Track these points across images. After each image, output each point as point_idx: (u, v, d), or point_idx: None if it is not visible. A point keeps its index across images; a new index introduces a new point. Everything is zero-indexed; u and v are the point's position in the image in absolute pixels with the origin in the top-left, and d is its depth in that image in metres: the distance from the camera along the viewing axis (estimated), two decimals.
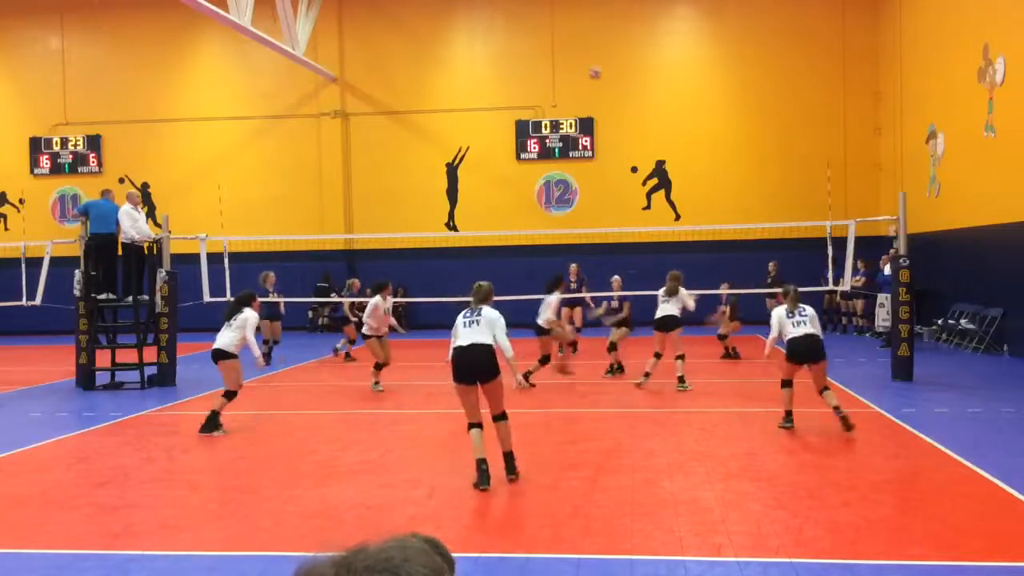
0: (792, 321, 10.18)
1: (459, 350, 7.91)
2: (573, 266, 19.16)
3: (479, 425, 7.94)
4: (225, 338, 10.68)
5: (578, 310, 18.78)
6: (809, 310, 10.28)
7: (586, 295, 17.97)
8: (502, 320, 8.08)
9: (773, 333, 10.36)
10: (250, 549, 6.36)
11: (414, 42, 25.05)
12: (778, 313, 10.34)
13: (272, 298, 17.27)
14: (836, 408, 9.87)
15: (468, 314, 8.10)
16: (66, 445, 10.24)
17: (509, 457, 7.99)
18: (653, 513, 6.89)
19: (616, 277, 15.88)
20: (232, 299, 11.16)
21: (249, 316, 10.73)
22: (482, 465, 7.75)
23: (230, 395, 10.66)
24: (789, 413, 10.17)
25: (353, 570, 1.34)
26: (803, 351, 10.01)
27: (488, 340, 7.86)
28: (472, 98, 24.94)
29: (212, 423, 10.42)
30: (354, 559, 1.36)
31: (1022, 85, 15.46)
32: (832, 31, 23.81)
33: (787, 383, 10.22)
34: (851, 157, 23.75)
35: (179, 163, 25.80)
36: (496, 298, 19.24)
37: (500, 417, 7.96)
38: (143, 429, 11.08)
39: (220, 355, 10.65)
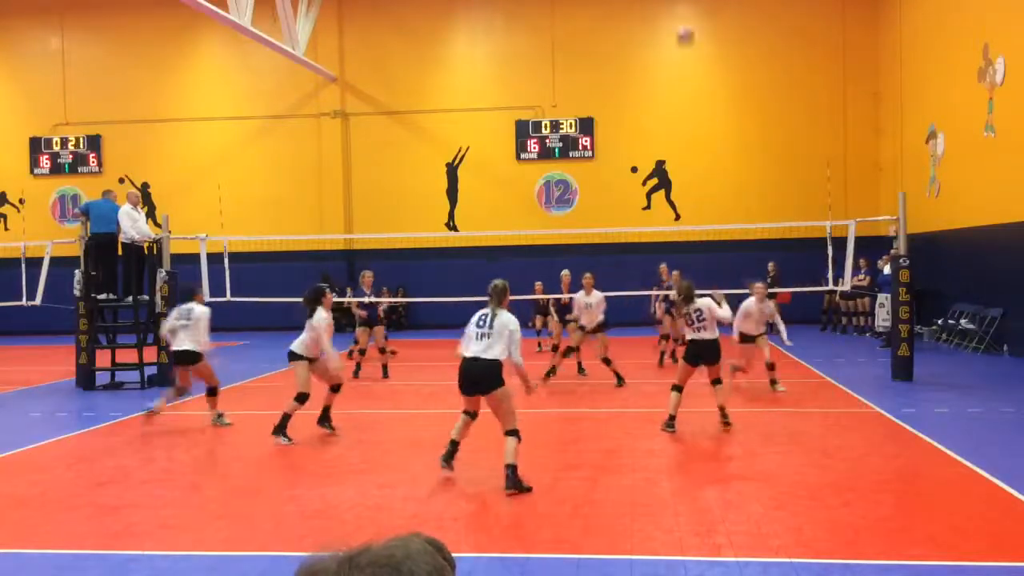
0: (693, 327, 10.12)
1: (465, 361, 7.76)
2: (663, 266, 18.42)
3: (471, 414, 8.05)
4: (298, 339, 10.02)
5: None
6: (705, 311, 10.01)
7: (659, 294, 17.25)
8: (518, 331, 7.70)
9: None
10: (250, 549, 6.36)
11: (414, 42, 25.06)
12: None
13: (369, 300, 15.52)
14: (721, 408, 10.14)
15: (482, 321, 7.77)
16: (66, 445, 10.24)
17: (509, 470, 7.62)
18: (653, 513, 6.88)
19: (565, 271, 15.75)
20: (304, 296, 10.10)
21: (319, 320, 9.84)
22: (451, 446, 8.06)
23: (301, 398, 9.84)
24: (673, 417, 10.05)
25: (356, 566, 1.35)
26: (698, 353, 10.11)
27: (495, 355, 7.61)
28: (472, 98, 24.94)
29: (282, 427, 9.69)
30: (357, 556, 1.37)
31: (1022, 85, 15.47)
32: (832, 31, 23.82)
33: (679, 387, 10.16)
34: (851, 157, 23.75)
35: (179, 163, 25.81)
36: None
37: (509, 433, 7.71)
38: (143, 429, 11.07)
39: (290, 356, 10.02)
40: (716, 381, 10.32)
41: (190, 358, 10.78)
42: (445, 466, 8.03)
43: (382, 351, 15.39)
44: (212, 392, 11.02)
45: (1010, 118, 15.88)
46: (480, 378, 7.68)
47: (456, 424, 8.11)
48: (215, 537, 6.62)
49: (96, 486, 8.16)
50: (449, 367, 13.99)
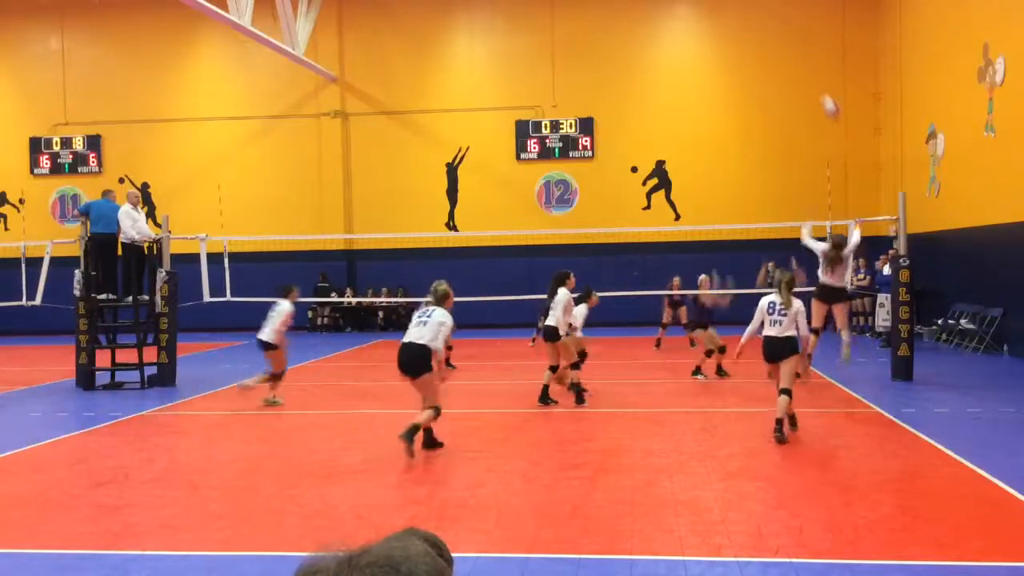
0: (771, 319, 9.48)
1: (401, 345, 8.98)
2: (676, 279, 18.08)
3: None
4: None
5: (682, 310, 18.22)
6: (794, 306, 9.46)
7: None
8: (447, 326, 8.89)
9: (753, 325, 9.73)
10: (250, 549, 6.36)
11: (414, 42, 25.06)
12: (761, 304, 9.66)
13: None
14: (781, 420, 9.31)
15: (422, 313, 9.04)
16: (66, 445, 10.23)
17: (413, 429, 8.70)
18: (653, 513, 6.88)
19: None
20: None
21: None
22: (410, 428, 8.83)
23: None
24: (780, 422, 9.30)
25: (355, 566, 1.35)
26: (768, 353, 9.54)
27: (425, 340, 8.74)
28: (472, 98, 24.94)
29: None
30: (357, 557, 1.37)
31: (1022, 85, 15.46)
32: (832, 31, 23.81)
33: (784, 389, 9.38)
34: (851, 157, 23.75)
35: (179, 163, 25.81)
36: (495, 298, 19.29)
37: (430, 408, 8.95)
38: (143, 429, 11.08)
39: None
40: (784, 391, 9.41)
41: (264, 346, 12.22)
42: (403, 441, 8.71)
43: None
44: (275, 377, 12.30)
45: (1010, 118, 15.87)
46: (408, 359, 8.85)
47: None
48: (215, 537, 6.62)
49: (96, 486, 8.16)
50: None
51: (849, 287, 16.23)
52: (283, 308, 12.29)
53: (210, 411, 12.51)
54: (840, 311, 12.43)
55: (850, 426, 10.26)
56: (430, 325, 8.80)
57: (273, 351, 12.24)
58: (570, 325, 12.12)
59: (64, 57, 26.17)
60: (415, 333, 8.84)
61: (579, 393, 11.84)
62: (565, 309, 11.82)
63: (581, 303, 13.08)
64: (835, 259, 12.16)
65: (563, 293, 11.86)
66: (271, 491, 7.84)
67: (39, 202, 26.50)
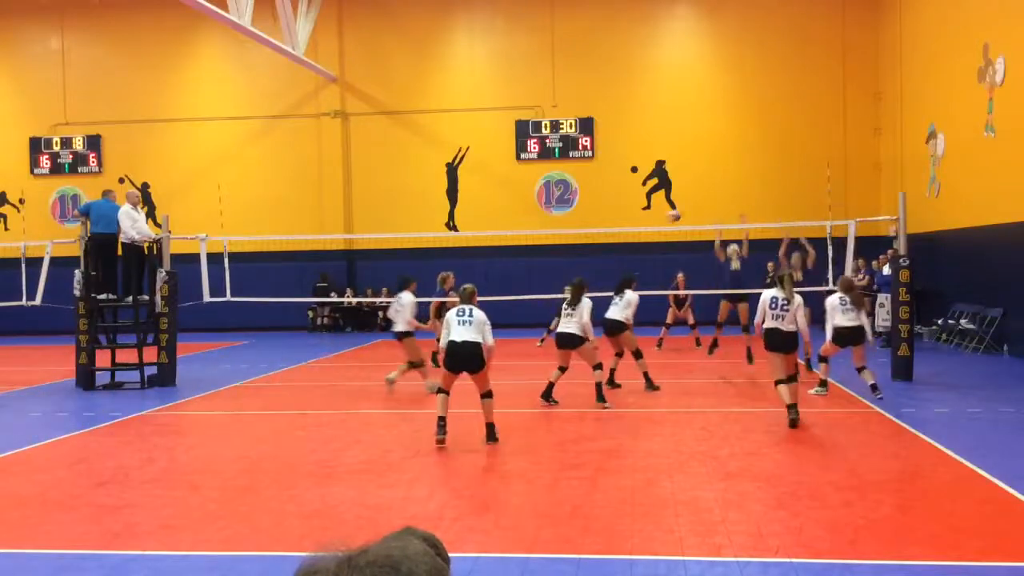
0: (772, 313, 10.23)
1: (453, 344, 9.40)
2: (680, 275, 18.72)
3: (446, 392, 9.61)
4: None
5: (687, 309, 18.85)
6: (795, 301, 10.18)
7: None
8: (489, 323, 9.59)
9: (758, 318, 10.47)
10: (250, 549, 6.36)
11: (414, 42, 25.06)
12: (764, 297, 10.42)
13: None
14: (790, 407, 10.04)
15: (460, 312, 9.57)
16: (66, 445, 10.24)
17: (490, 427, 9.58)
18: (653, 513, 6.88)
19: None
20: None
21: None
22: (440, 421, 9.45)
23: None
24: (792, 406, 10.02)
25: (355, 566, 1.35)
26: (769, 343, 10.27)
27: (478, 338, 9.38)
28: (472, 98, 24.94)
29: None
30: (356, 557, 1.37)
31: (1022, 85, 15.47)
32: (832, 31, 23.81)
33: (780, 380, 10.19)
34: (851, 157, 23.74)
35: (179, 163, 25.81)
36: (496, 298, 19.37)
37: (486, 395, 9.58)
38: (143, 429, 11.08)
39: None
40: (790, 377, 10.20)
41: (399, 336, 13.08)
42: (441, 438, 9.37)
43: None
44: (411, 366, 13.03)
45: (1010, 118, 15.88)
46: (468, 357, 9.46)
47: (437, 403, 9.68)
48: (215, 537, 6.62)
49: (96, 486, 8.16)
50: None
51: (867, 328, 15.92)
52: (407, 300, 13.11)
53: (210, 411, 12.51)
54: (858, 352, 11.97)
55: (850, 426, 10.26)
56: (475, 325, 9.43)
57: (408, 338, 13.01)
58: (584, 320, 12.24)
59: (64, 57, 26.17)
60: (465, 333, 9.38)
61: (601, 392, 11.82)
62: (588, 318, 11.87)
63: (626, 288, 13.19)
64: (848, 293, 11.81)
65: (587, 302, 11.88)
66: (271, 491, 7.85)
67: (39, 202, 26.50)
